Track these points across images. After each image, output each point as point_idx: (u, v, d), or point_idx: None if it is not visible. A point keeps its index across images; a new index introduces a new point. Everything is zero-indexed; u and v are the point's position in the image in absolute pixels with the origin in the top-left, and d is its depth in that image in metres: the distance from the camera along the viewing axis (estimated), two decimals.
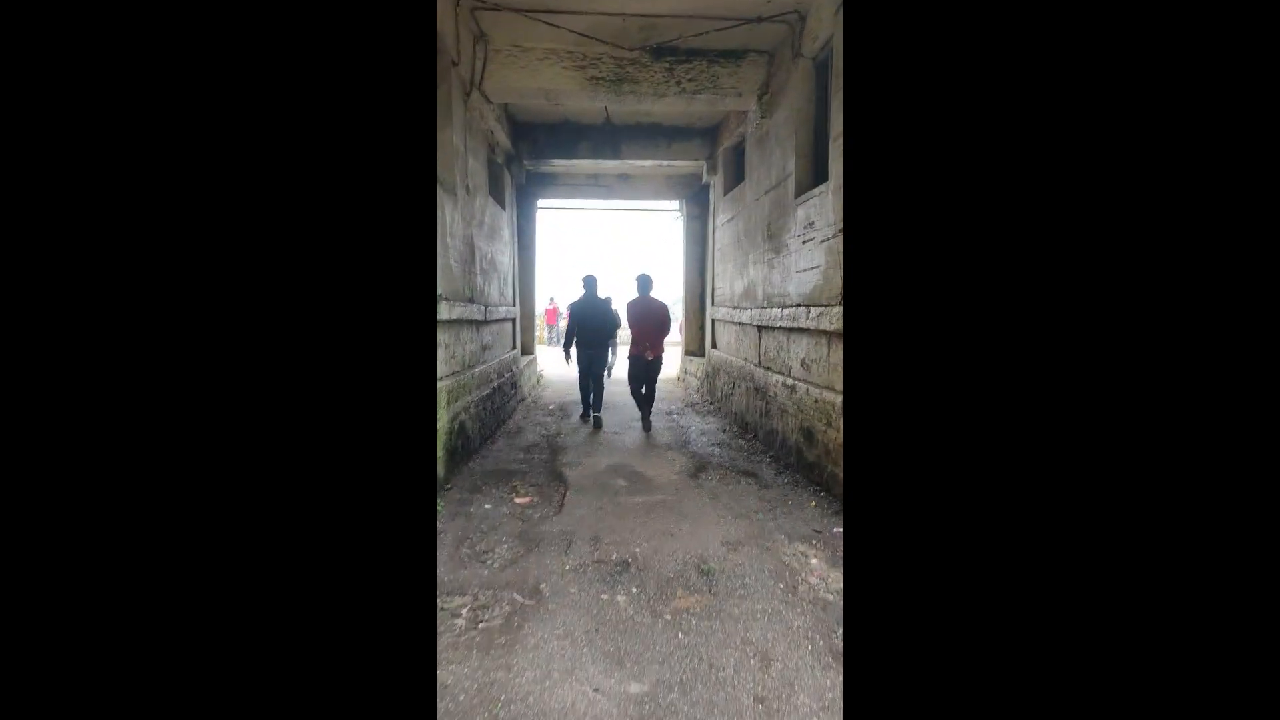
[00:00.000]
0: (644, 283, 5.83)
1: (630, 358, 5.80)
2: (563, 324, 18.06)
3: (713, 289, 7.35)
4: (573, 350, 5.94)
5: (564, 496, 3.78)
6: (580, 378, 6.03)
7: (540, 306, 18.50)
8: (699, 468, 4.49)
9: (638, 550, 2.92)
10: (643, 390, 5.80)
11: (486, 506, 3.58)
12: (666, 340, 5.83)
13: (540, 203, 9.64)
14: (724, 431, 5.80)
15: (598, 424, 5.89)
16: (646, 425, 5.76)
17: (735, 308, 6.16)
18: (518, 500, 3.72)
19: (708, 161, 7.13)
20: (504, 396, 6.04)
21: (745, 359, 5.82)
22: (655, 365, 5.72)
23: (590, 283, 5.97)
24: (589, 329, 5.85)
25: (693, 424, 6.21)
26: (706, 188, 8.51)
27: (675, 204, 9.86)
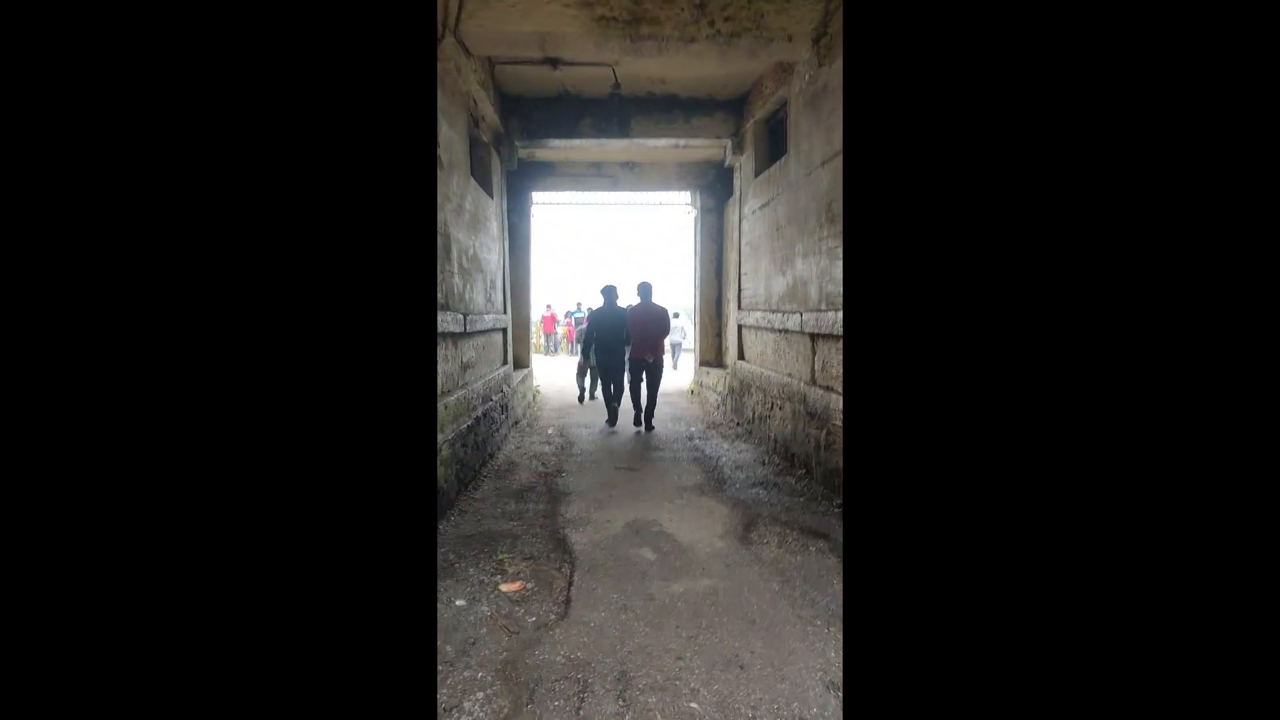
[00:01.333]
0: (644, 290, 6.04)
1: (630, 360, 5.98)
2: (561, 330, 17.05)
3: (738, 289, 6.25)
4: (590, 354, 6.47)
5: (570, 581, 2.66)
6: (601, 384, 6.45)
7: (536, 313, 17.49)
8: (747, 523, 3.38)
9: (694, 706, 1.81)
10: (643, 391, 5.99)
11: (459, 603, 2.46)
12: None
13: (536, 196, 8.56)
14: (763, 464, 4.70)
15: (614, 417, 6.27)
16: (648, 426, 6.01)
17: (774, 311, 5.06)
18: (504, 588, 2.61)
19: (732, 140, 6.04)
20: (491, 424, 4.93)
21: (790, 374, 4.72)
22: (656, 367, 5.94)
23: (610, 293, 6.16)
24: (608, 336, 6.05)
25: (722, 453, 5.10)
26: (728, 174, 7.42)
27: (687, 195, 8.79)
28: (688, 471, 4.53)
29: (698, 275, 8.63)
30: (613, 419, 6.27)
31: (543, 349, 16.86)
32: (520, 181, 7.82)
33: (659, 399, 7.10)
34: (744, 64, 4.85)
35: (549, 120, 5.97)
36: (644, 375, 5.90)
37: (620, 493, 3.98)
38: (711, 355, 8.43)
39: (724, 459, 4.90)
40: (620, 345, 6.01)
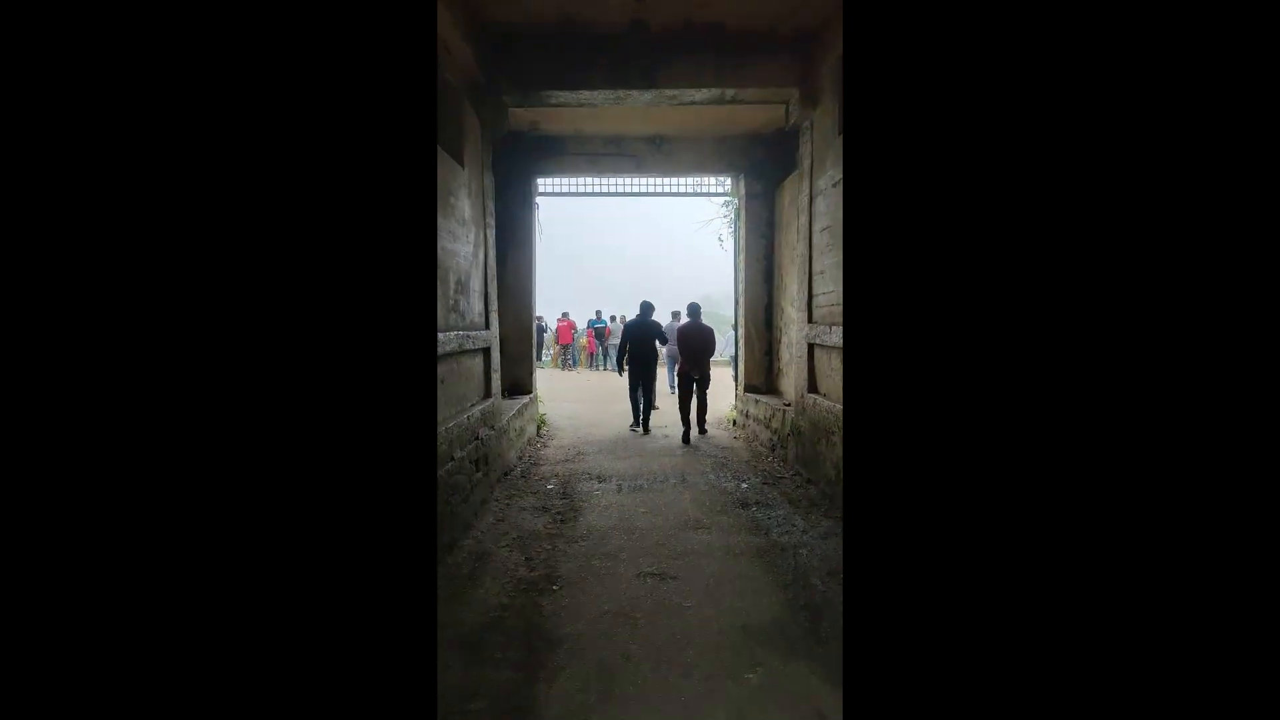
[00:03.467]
0: (694, 309, 6.48)
1: (680, 375, 6.40)
2: (580, 341, 15.50)
3: (808, 295, 4.57)
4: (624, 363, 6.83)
5: None
6: (630, 392, 6.85)
7: (552, 321, 15.95)
8: None
9: None
10: (690, 404, 6.28)
11: None
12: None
13: (541, 182, 6.99)
14: None
15: (646, 429, 6.76)
16: (686, 438, 6.21)
17: None
18: None
19: (800, 89, 4.39)
20: (453, 497, 3.32)
21: None
22: (704, 382, 6.33)
23: (647, 307, 6.61)
24: (639, 346, 6.50)
25: (797, 537, 3.42)
26: (780, 147, 5.77)
27: (726, 182, 7.15)
28: (752, 582, 2.86)
29: (740, 277, 6.97)
30: (641, 425, 6.77)
31: (559, 363, 15.31)
32: (520, 162, 6.27)
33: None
34: None
35: (548, 64, 4.39)
36: (693, 388, 6.27)
37: (646, 644, 2.32)
38: (759, 379, 6.75)
39: (805, 554, 3.21)
40: (651, 355, 6.51)
